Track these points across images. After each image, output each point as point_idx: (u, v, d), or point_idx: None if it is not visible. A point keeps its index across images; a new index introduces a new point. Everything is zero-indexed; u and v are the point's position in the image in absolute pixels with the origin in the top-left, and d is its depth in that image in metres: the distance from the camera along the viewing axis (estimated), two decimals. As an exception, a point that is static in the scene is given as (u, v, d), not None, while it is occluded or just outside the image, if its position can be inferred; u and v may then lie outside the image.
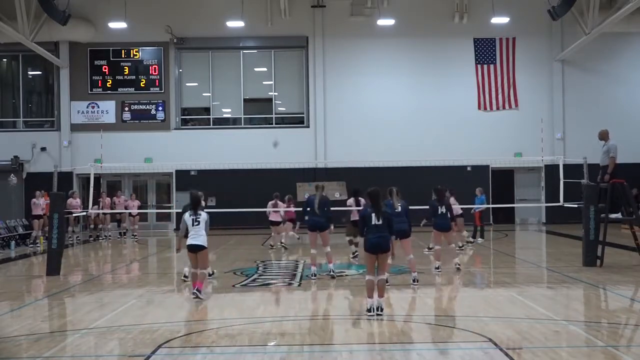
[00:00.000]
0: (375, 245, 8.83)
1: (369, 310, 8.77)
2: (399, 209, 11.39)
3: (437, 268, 12.90)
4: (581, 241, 14.10)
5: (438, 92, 27.86)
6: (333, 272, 12.40)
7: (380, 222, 8.89)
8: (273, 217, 18.25)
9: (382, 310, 8.74)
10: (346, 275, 13.06)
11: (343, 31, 27.87)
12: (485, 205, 19.72)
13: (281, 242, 18.16)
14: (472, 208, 18.54)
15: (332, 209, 13.45)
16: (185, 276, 12.14)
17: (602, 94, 27.92)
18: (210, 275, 12.37)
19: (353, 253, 15.34)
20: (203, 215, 10.50)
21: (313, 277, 12.15)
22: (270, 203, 18.35)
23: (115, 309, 9.71)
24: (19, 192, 27.02)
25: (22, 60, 28.89)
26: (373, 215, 8.93)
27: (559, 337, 7.66)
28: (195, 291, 10.22)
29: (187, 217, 10.49)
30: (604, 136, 14.58)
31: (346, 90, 27.94)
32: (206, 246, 10.45)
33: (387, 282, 9.84)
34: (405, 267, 14.13)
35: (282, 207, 18.31)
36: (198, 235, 10.37)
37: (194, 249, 10.39)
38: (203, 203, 15.51)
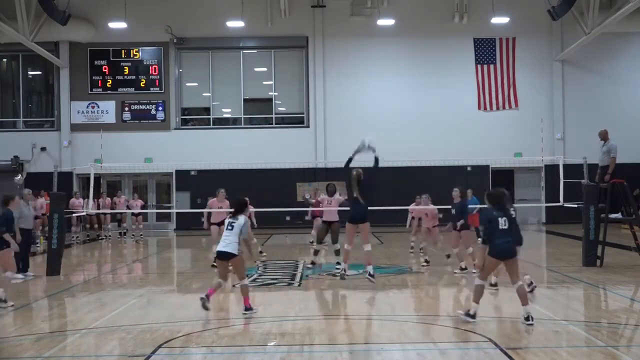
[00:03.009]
0: (504, 251, 8.19)
1: (470, 316, 8.21)
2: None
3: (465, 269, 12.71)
4: (581, 241, 14.09)
5: (438, 92, 27.84)
6: (372, 275, 11.15)
7: (507, 226, 8.25)
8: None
9: (532, 319, 7.95)
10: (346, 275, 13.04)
11: (343, 31, 27.85)
12: (475, 206, 19.39)
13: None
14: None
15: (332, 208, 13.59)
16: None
17: (602, 94, 27.91)
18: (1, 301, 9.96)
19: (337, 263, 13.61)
20: None
21: (345, 276, 11.48)
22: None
23: (115, 309, 9.70)
24: (19, 192, 26.93)
25: (22, 60, 28.88)
26: (500, 219, 8.26)
27: (559, 337, 7.65)
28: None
29: None
30: (604, 136, 14.59)
31: (346, 90, 27.93)
32: None
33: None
34: (405, 267, 14.14)
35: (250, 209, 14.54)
36: None
37: None
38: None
